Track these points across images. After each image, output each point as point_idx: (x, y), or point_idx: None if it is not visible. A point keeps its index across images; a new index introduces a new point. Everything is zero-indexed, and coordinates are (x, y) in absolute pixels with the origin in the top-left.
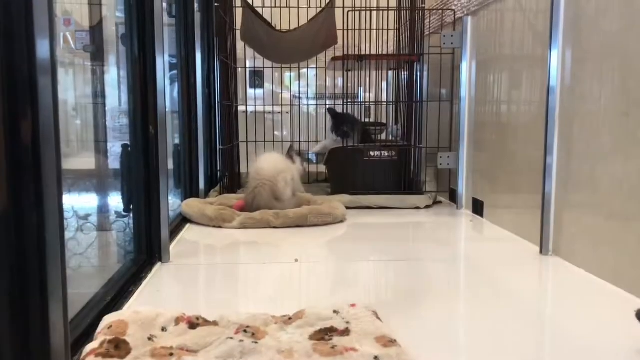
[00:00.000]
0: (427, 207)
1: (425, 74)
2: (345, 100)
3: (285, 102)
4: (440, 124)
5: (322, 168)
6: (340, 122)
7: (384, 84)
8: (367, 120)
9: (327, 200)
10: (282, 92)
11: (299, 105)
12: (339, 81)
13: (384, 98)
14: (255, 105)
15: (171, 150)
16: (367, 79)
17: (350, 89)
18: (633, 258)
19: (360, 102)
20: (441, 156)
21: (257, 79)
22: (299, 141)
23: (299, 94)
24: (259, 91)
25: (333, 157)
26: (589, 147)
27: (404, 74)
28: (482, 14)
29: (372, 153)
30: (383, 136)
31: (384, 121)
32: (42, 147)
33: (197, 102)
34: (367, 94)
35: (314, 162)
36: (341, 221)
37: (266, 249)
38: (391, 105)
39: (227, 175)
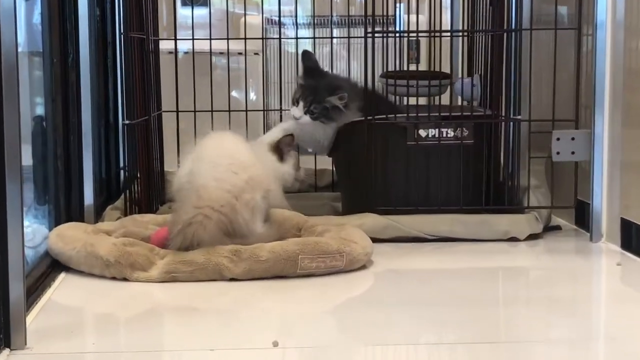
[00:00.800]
0: (533, 237)
1: None
2: (369, 31)
3: (253, 34)
4: (556, 74)
5: (324, 162)
6: (319, 88)
7: None
8: (413, 67)
9: (333, 224)
10: (245, 15)
11: (280, 39)
12: None
13: (446, 25)
14: (193, 40)
15: (28, 128)
16: None
17: (379, 9)
18: None
19: (400, 32)
20: (559, 137)
21: None
22: (280, 109)
23: (280, 17)
24: (201, 13)
25: (345, 141)
26: None
27: None
28: None
29: (423, 132)
30: (444, 98)
31: (446, 70)
32: None
33: (79, 36)
34: (413, 18)
35: (309, 151)
36: (362, 266)
37: (216, 322)
38: (460, 39)
39: (138, 178)
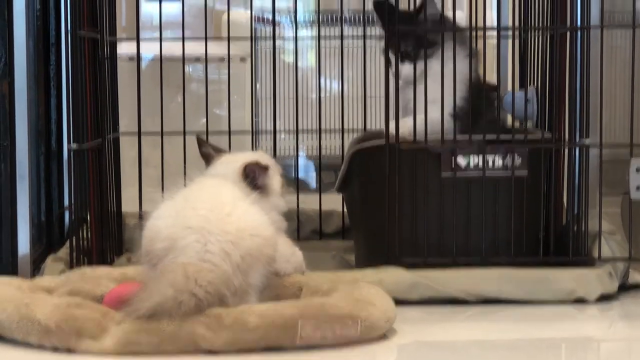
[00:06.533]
0: (605, 298)
1: None
2: (391, 28)
3: (238, 33)
4: (635, 86)
5: (333, 202)
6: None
7: None
8: None
9: (343, 281)
10: (229, 10)
11: (274, 40)
12: None
13: (491, 22)
14: (160, 41)
15: None
16: None
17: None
18: None
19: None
20: (639, 167)
21: None
22: (274, 132)
23: (274, 13)
24: (171, 8)
25: (361, 173)
26: None
27: None
28: None
29: (463, 160)
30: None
31: (491, 80)
32: None
33: (14, 35)
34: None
35: (311, 187)
36: (382, 336)
37: None
38: (509, 41)
39: (88, 221)
